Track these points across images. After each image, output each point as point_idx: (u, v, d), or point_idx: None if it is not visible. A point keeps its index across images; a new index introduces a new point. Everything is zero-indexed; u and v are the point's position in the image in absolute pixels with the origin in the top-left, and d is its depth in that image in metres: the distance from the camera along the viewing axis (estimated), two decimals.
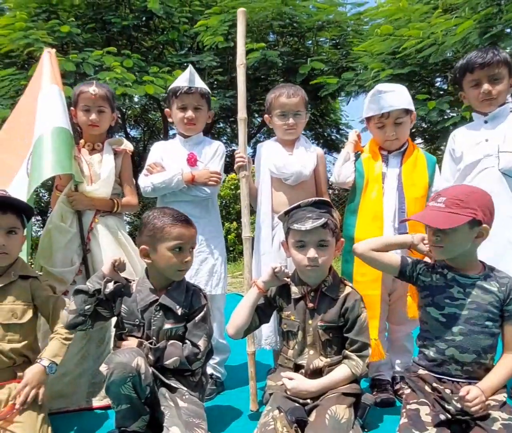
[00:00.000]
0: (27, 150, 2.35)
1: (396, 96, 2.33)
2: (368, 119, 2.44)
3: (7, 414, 1.77)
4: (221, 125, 10.26)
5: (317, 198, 1.99)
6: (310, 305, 1.94)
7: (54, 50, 2.50)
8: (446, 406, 1.71)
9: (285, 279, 2.00)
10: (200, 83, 2.56)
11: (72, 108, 2.50)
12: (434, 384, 1.77)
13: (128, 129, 11.34)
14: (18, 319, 1.91)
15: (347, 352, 1.91)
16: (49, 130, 2.26)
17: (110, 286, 1.92)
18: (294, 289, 1.99)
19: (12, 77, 6.83)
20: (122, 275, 2.32)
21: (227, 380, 2.58)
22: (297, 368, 1.95)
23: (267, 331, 2.36)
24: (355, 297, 1.95)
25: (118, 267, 1.97)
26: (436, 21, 5.91)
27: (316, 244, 1.88)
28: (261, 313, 2.03)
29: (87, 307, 1.89)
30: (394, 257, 1.98)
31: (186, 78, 2.53)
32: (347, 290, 1.97)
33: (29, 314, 1.95)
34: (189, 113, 2.51)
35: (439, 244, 1.80)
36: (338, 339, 1.94)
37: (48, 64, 2.42)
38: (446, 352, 1.79)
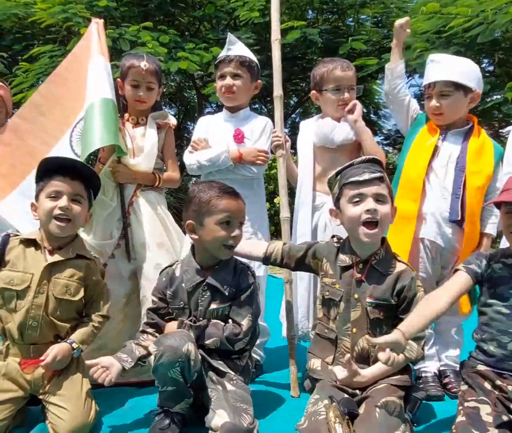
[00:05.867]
0: (73, 118, 2.32)
1: (446, 67, 2.21)
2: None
3: (34, 363, 1.78)
4: (257, 105, 10.10)
5: (370, 156, 1.90)
6: (358, 275, 1.83)
7: (102, 21, 2.45)
8: (511, 407, 1.60)
9: (335, 244, 1.94)
10: (240, 51, 2.46)
11: (118, 79, 2.46)
12: (498, 382, 1.65)
13: (164, 107, 11.34)
14: (71, 296, 1.88)
15: None
16: (98, 100, 2.23)
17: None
18: (342, 257, 1.88)
19: (51, 53, 6.88)
20: (162, 251, 2.29)
21: (265, 362, 2.53)
22: (338, 343, 1.86)
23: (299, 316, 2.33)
24: (411, 274, 1.83)
25: None
26: None
27: (374, 198, 1.78)
28: (287, 254, 2.00)
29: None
30: (462, 281, 1.76)
31: (225, 47, 2.46)
32: (401, 266, 1.85)
33: (81, 293, 1.92)
34: (227, 80, 2.42)
35: None
36: (389, 319, 1.81)
37: (95, 34, 2.39)
38: (508, 346, 1.68)
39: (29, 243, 1.89)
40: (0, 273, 1.83)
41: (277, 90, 2.30)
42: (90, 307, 1.97)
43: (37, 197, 1.89)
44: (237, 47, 2.47)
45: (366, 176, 1.78)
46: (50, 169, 1.87)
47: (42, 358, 1.77)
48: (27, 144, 2.30)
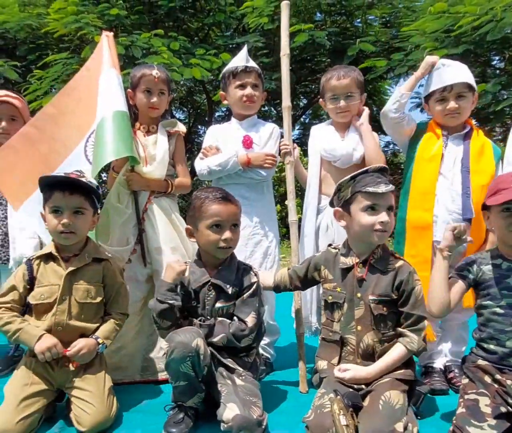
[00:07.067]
0: (86, 129, 2.40)
1: (459, 70, 2.31)
2: (427, 98, 2.39)
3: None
4: (266, 108, 10.18)
5: (381, 165, 1.98)
6: (359, 274, 1.91)
7: (112, 33, 2.52)
8: (509, 400, 1.66)
9: (333, 250, 2.02)
10: (253, 63, 2.58)
11: (129, 90, 2.54)
12: (497, 376, 1.71)
13: (174, 112, 11.47)
14: (92, 299, 2.00)
15: (400, 329, 1.88)
16: (110, 113, 2.29)
17: (178, 299, 1.94)
18: (343, 259, 1.97)
19: (65, 61, 7.02)
20: (176, 256, 2.38)
21: (275, 361, 2.61)
22: (343, 343, 1.93)
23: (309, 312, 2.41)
24: (408, 269, 1.91)
25: (181, 274, 1.97)
26: None
27: (386, 208, 1.88)
28: (294, 277, 2.10)
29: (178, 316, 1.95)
30: (458, 290, 1.88)
31: (242, 57, 2.55)
32: (399, 263, 1.92)
33: (102, 294, 2.04)
34: (248, 90, 2.52)
35: None
36: (392, 315, 1.90)
37: (106, 47, 2.45)
38: (507, 344, 1.74)
39: (47, 257, 2.01)
40: (32, 292, 1.97)
41: (286, 102, 2.41)
42: (110, 305, 2.08)
43: (43, 207, 2.01)
44: (250, 59, 2.58)
45: (382, 188, 1.85)
46: (48, 184, 1.98)
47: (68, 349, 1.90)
48: (40, 153, 2.37)
